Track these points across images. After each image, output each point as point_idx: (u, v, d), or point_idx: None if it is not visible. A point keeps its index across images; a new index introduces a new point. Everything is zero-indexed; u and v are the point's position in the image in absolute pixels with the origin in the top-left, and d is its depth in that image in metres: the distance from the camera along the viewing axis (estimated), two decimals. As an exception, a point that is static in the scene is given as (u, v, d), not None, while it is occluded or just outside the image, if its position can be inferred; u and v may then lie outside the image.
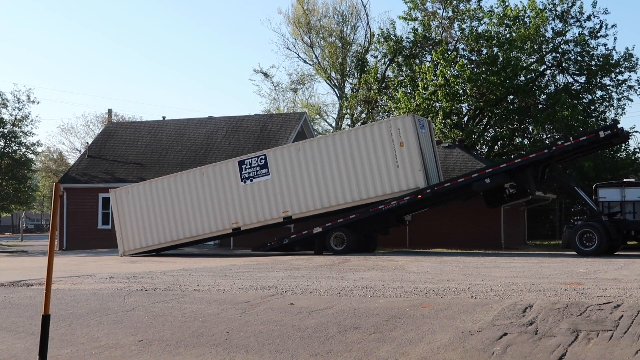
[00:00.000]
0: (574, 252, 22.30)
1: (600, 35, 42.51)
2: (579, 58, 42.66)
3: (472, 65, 42.59)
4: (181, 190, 26.92)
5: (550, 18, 42.38)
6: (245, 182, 25.86)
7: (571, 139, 23.61)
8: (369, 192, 24.47)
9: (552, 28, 42.71)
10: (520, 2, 42.55)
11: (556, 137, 42.51)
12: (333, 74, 57.10)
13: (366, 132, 24.70)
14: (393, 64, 47.91)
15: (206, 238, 27.53)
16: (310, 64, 58.71)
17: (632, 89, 42.79)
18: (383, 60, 49.59)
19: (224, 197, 26.17)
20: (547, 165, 24.35)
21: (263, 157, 25.80)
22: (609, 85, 42.92)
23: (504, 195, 25.29)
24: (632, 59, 41.69)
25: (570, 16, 42.51)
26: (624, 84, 42.64)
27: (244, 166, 25.95)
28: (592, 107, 43.30)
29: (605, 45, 43.21)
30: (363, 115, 52.72)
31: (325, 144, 25.11)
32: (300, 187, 25.14)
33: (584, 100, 43.18)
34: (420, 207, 25.35)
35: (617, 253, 22.91)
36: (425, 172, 24.18)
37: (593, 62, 42.24)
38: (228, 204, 26.12)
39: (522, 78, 42.72)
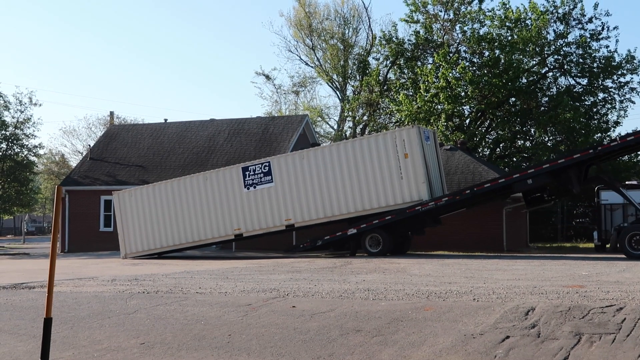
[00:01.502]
0: (623, 256, 21.84)
1: (602, 38, 42.54)
2: (580, 60, 42.67)
3: (474, 68, 42.61)
4: (184, 195, 26.92)
5: (552, 20, 42.40)
6: (248, 188, 25.82)
7: (618, 138, 23.25)
8: (372, 203, 24.31)
9: (554, 30, 42.76)
10: (522, 4, 42.63)
11: (558, 139, 42.52)
12: (335, 77, 57.14)
13: (371, 143, 24.53)
14: (395, 67, 47.94)
15: (208, 243, 27.50)
16: (312, 67, 58.81)
17: (634, 91, 42.82)
18: (385, 63, 49.67)
19: (227, 203, 26.14)
20: (590, 165, 23.88)
21: (267, 164, 25.74)
22: (611, 87, 42.96)
23: (544, 195, 24.99)
24: (634, 61, 41.70)
25: (572, 18, 42.54)
26: (626, 86, 42.68)
27: (247, 172, 25.90)
28: (595, 110, 43.30)
29: (607, 47, 43.47)
30: (365, 117, 52.75)
31: (329, 152, 25.01)
32: (304, 195, 25.05)
33: (586, 103, 43.19)
34: (458, 207, 25.28)
35: (619, 256, 22.85)
36: (429, 184, 24.00)
37: (595, 64, 42.25)
38: (231, 210, 26.09)
39: (524, 80, 42.74)
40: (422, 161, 23.81)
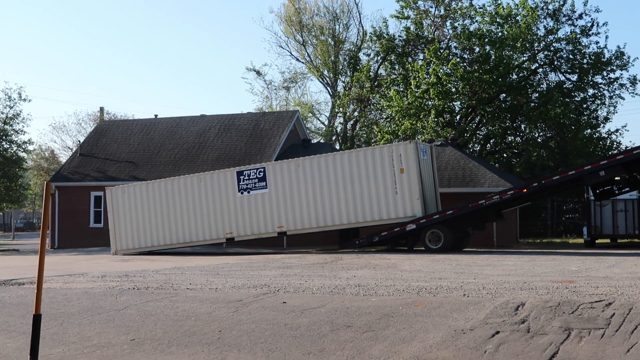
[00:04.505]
0: (613, 251, 21.82)
1: (592, 34, 42.70)
2: (570, 56, 42.81)
3: (465, 64, 42.69)
4: (177, 195, 26.88)
5: (542, 16, 42.52)
6: (242, 193, 25.80)
7: None
8: (365, 216, 24.25)
9: (544, 26, 42.87)
10: (512, 0, 42.67)
11: (548, 135, 42.67)
12: (325, 72, 57.13)
13: (367, 155, 24.41)
14: (385, 62, 47.96)
15: (199, 245, 27.49)
16: (302, 62, 58.78)
17: (624, 87, 42.99)
18: (375, 59, 49.70)
19: (220, 206, 26.14)
20: None
21: (262, 169, 25.71)
22: (601, 83, 43.12)
23: (613, 188, 24.32)
24: (624, 57, 41.87)
25: (562, 14, 42.68)
26: (615, 82, 42.84)
27: (242, 177, 25.86)
28: (584, 105, 43.47)
29: (597, 43, 43.50)
30: (356, 113, 52.79)
31: (325, 162, 24.93)
32: (297, 203, 25.04)
33: (576, 99, 43.35)
34: (523, 201, 24.90)
35: (608, 251, 22.94)
36: (424, 200, 23.86)
37: (585, 61, 42.40)
38: (224, 213, 26.09)
39: (515, 76, 42.86)
40: (418, 177, 23.66)
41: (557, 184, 23.19)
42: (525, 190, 23.37)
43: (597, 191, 24.57)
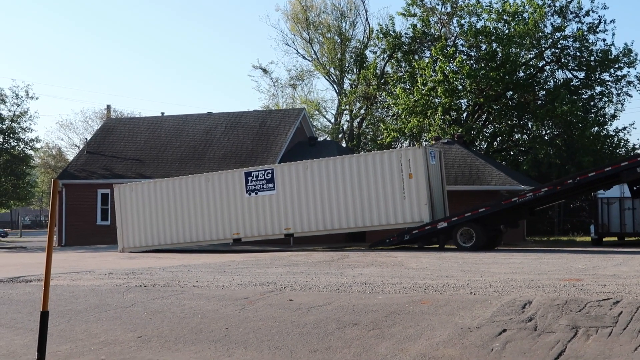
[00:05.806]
0: (620, 249, 21.66)
1: (599, 31, 42.56)
2: (578, 54, 42.68)
3: (471, 61, 42.60)
4: (185, 194, 26.94)
5: (549, 13, 42.39)
6: (250, 194, 25.86)
7: None
8: (372, 220, 24.26)
9: (552, 23, 42.74)
10: (519, -3, 42.56)
11: (555, 133, 42.54)
12: (332, 70, 57.01)
13: (376, 159, 24.38)
14: (392, 60, 47.92)
15: (206, 245, 27.55)
16: (309, 60, 58.66)
17: (631, 85, 42.84)
18: (382, 56, 49.66)
19: (227, 206, 26.21)
20: None
21: (270, 171, 25.77)
22: (608, 80, 42.97)
23: None
24: (631, 54, 41.71)
25: (569, 11, 42.55)
26: (623, 80, 42.69)
27: (250, 178, 25.92)
28: (592, 103, 43.32)
29: (604, 40, 43.40)
30: (362, 111, 52.71)
31: (333, 165, 24.93)
32: (305, 205, 25.08)
33: (584, 96, 43.19)
34: (556, 199, 24.59)
35: (615, 249, 22.83)
36: (432, 205, 23.80)
37: (592, 58, 42.26)
38: (231, 214, 26.16)
39: (522, 74, 42.74)
40: (426, 182, 23.61)
41: (592, 180, 22.65)
42: (559, 187, 22.93)
43: (635, 188, 23.96)
